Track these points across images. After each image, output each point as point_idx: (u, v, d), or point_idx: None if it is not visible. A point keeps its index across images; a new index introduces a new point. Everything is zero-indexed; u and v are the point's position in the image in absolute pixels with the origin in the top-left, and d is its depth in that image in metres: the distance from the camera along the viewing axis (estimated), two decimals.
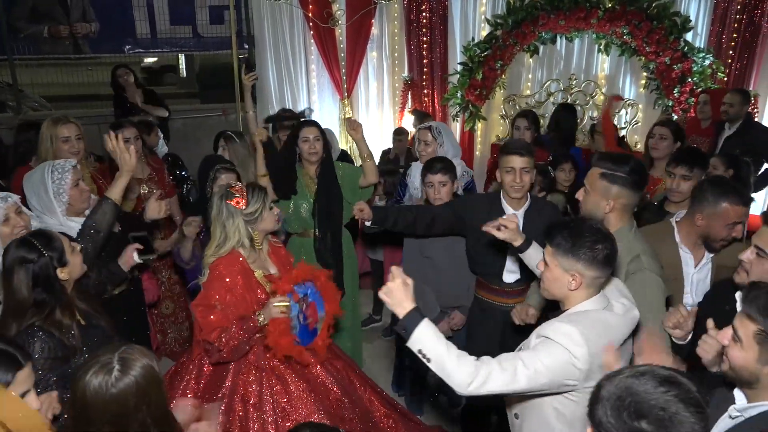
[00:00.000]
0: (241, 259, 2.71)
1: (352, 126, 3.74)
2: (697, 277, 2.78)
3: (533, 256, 2.55)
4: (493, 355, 1.92)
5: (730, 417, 1.68)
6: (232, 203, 2.66)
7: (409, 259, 3.45)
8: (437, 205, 3.31)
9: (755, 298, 1.60)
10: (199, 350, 2.78)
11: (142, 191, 4.07)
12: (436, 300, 3.35)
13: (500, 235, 2.52)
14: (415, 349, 1.88)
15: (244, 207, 2.66)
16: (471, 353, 1.90)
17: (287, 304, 2.55)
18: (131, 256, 2.82)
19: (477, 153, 7.59)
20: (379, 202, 4.51)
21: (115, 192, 2.77)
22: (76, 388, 1.53)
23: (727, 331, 1.67)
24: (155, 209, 3.18)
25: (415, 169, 4.18)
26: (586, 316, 1.93)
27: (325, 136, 3.78)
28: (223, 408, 2.59)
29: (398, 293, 1.89)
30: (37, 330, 2.08)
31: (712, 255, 2.73)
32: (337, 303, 2.87)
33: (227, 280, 2.63)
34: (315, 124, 3.80)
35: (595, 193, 2.47)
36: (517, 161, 2.97)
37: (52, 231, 2.34)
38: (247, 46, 7.47)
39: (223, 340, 2.54)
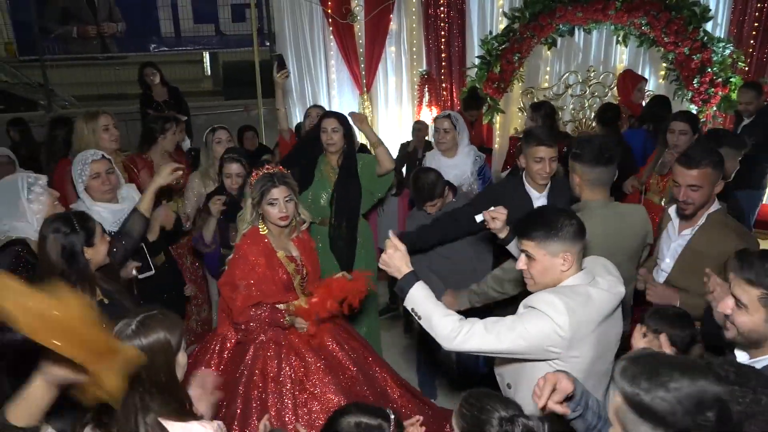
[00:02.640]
0: (266, 240, 2.86)
1: (357, 119, 3.85)
2: (674, 246, 2.84)
3: (515, 247, 2.66)
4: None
5: None
6: (251, 179, 2.86)
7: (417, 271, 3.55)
8: (460, 210, 3.34)
9: (751, 265, 1.68)
10: (223, 327, 2.95)
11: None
12: (441, 286, 3.44)
13: (492, 224, 2.66)
14: (409, 308, 2.10)
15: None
16: None
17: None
18: (130, 272, 2.98)
19: (495, 146, 7.63)
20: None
21: (144, 204, 2.94)
22: None
23: (727, 301, 1.75)
24: (165, 219, 3.37)
25: (430, 158, 4.27)
26: (570, 289, 2.02)
27: (346, 127, 3.85)
28: (244, 381, 2.74)
29: (396, 260, 2.11)
30: None
31: (694, 230, 2.74)
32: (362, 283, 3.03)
33: (251, 258, 2.77)
34: (335, 115, 3.85)
35: (570, 172, 2.77)
36: (547, 152, 3.11)
37: (91, 215, 2.52)
38: (268, 43, 7.62)
39: (252, 325, 2.76)
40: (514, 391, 2.18)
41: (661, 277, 2.86)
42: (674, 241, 2.83)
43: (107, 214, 3.05)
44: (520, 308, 2.08)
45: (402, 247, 2.11)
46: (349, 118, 3.82)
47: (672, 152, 3.87)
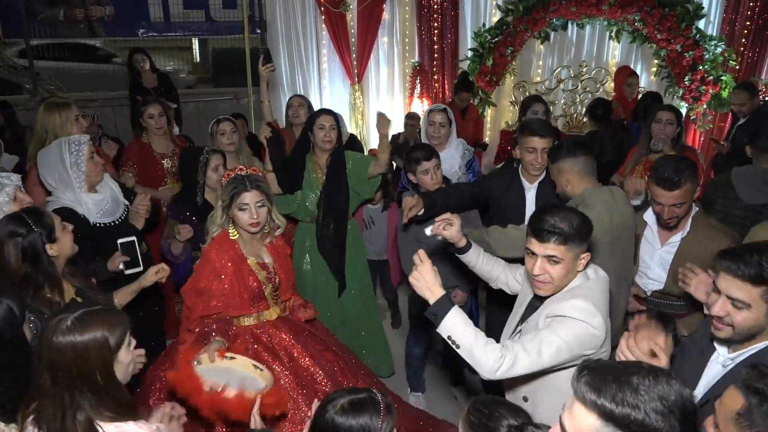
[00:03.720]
0: (236, 246, 2.69)
1: (383, 123, 3.67)
2: (660, 254, 2.82)
3: (473, 257, 2.58)
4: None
5: (723, 366, 1.79)
6: (221, 180, 2.77)
7: (406, 242, 3.50)
8: (468, 185, 3.39)
9: (747, 263, 1.66)
10: (184, 335, 2.73)
11: (165, 166, 4.22)
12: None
13: (446, 234, 2.53)
14: (444, 335, 1.94)
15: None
16: (489, 327, 2.00)
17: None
18: (117, 266, 2.85)
19: (486, 140, 7.61)
20: (373, 206, 4.48)
21: (120, 299, 2.68)
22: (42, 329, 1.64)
23: (722, 304, 1.72)
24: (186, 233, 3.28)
25: None
26: (583, 288, 2.02)
27: (339, 125, 3.78)
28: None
29: (428, 277, 1.95)
30: (27, 312, 2.05)
31: (683, 236, 2.74)
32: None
33: (217, 265, 2.62)
34: (331, 112, 3.79)
35: (556, 176, 2.82)
36: (540, 142, 3.11)
37: (44, 208, 2.39)
38: (259, 31, 7.53)
39: (206, 329, 2.55)
40: (533, 404, 2.13)
41: (651, 286, 2.85)
42: (658, 249, 2.82)
43: (93, 205, 2.97)
44: (540, 319, 2.05)
45: (428, 261, 1.97)
46: (376, 119, 3.68)
47: (661, 138, 3.87)
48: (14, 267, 2.13)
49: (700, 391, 1.81)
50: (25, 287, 2.14)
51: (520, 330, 2.20)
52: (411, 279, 1.99)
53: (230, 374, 2.31)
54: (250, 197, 2.64)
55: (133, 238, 2.94)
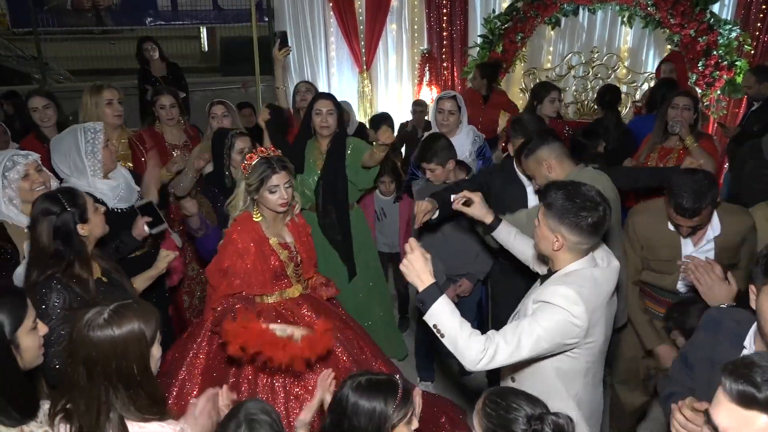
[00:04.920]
0: (258, 227, 2.72)
1: (387, 136, 3.43)
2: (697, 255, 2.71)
3: (504, 234, 2.57)
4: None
5: None
6: (241, 165, 2.72)
7: (428, 231, 3.48)
8: (468, 182, 3.29)
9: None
10: (207, 312, 2.81)
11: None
12: (441, 267, 3.40)
13: (469, 211, 2.54)
14: (430, 323, 1.93)
15: (247, 174, 2.68)
16: (495, 317, 1.97)
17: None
18: (142, 228, 2.85)
19: (499, 129, 7.54)
20: (384, 197, 4.46)
21: (137, 284, 2.71)
22: (73, 324, 1.62)
23: None
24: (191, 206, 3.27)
25: None
26: (577, 275, 1.97)
27: (340, 110, 3.73)
28: (233, 371, 2.63)
29: (418, 265, 1.94)
30: (56, 282, 2.19)
31: (716, 236, 2.68)
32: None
33: (239, 245, 2.65)
34: (329, 96, 3.73)
35: (534, 166, 2.77)
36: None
37: (79, 190, 2.43)
38: (267, 19, 7.48)
39: (220, 308, 2.61)
40: (519, 385, 2.13)
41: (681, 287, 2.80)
42: (692, 250, 2.72)
43: (108, 191, 2.96)
44: (530, 304, 2.04)
45: (428, 255, 1.97)
46: (380, 135, 3.47)
47: (678, 120, 3.79)
48: (45, 244, 2.20)
49: None
50: (54, 263, 2.20)
51: (516, 314, 2.20)
52: (401, 267, 1.99)
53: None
54: (279, 179, 2.65)
55: (150, 199, 2.98)
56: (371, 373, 1.75)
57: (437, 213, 2.92)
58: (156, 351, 1.68)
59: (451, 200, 2.67)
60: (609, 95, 5.21)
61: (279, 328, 2.55)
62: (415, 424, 1.76)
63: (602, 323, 2.00)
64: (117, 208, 3.00)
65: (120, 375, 1.57)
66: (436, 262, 3.31)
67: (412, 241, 1.99)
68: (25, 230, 2.43)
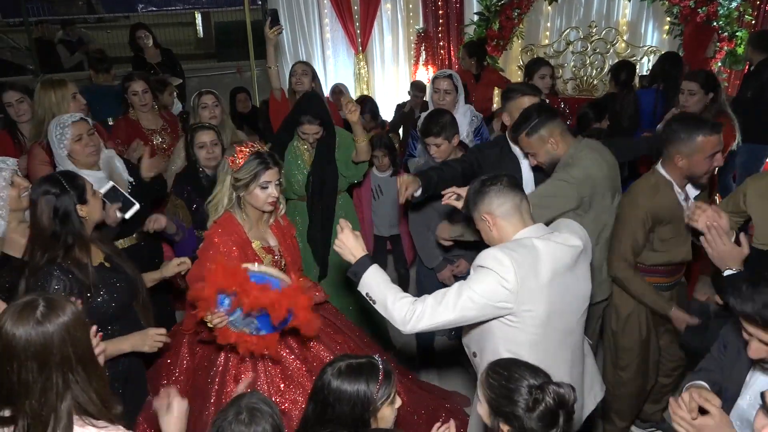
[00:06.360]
0: (240, 229, 2.59)
1: (350, 109, 3.51)
2: None
3: None
4: None
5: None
6: (228, 160, 2.57)
7: (415, 210, 3.46)
8: (458, 160, 3.25)
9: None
10: (189, 322, 2.66)
11: (155, 141, 4.13)
12: (438, 247, 3.38)
13: (458, 204, 2.58)
14: (363, 292, 2.09)
15: (236, 169, 2.53)
16: None
17: (209, 318, 2.36)
18: (114, 215, 2.83)
19: (495, 106, 7.47)
20: (381, 174, 4.41)
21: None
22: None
23: (752, 349, 1.56)
24: (147, 167, 3.26)
25: None
26: (515, 243, 2.02)
27: (326, 122, 3.55)
28: (217, 382, 2.52)
29: (349, 243, 2.11)
30: (56, 268, 2.21)
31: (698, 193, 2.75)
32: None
33: (221, 249, 2.51)
34: (317, 117, 3.47)
35: (538, 144, 2.78)
36: (532, 100, 3.03)
37: (77, 173, 2.44)
38: (260, 2, 7.40)
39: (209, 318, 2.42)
40: (480, 360, 2.15)
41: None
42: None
43: (94, 181, 2.92)
44: (471, 270, 2.07)
45: (358, 233, 2.13)
46: (344, 108, 3.52)
47: (675, 111, 3.77)
48: (45, 224, 2.23)
49: (747, 401, 1.71)
50: (53, 246, 2.23)
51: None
52: (335, 247, 2.14)
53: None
54: (271, 175, 2.53)
55: (111, 183, 2.90)
56: (351, 357, 1.74)
57: (420, 191, 2.91)
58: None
59: (441, 194, 2.68)
60: (625, 73, 4.98)
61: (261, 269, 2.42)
62: (398, 403, 1.75)
63: (544, 294, 1.97)
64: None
65: (77, 357, 1.54)
66: (432, 240, 3.32)
67: (343, 221, 2.15)
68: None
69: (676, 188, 2.74)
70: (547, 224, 2.42)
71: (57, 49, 6.70)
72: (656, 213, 2.73)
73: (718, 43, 6.33)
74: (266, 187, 2.54)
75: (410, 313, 1.98)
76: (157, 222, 3.07)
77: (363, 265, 2.09)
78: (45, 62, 7.31)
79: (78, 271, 2.24)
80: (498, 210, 2.06)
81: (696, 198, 2.80)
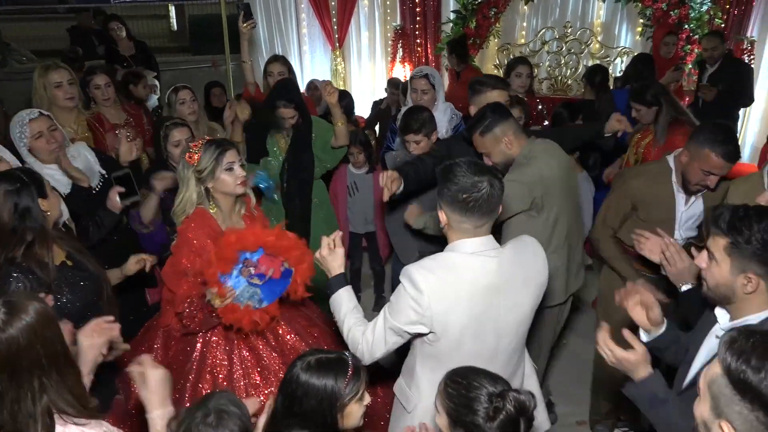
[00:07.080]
0: (213, 221, 2.55)
1: (329, 91, 3.54)
2: (686, 214, 2.84)
3: None
4: None
5: (717, 337, 1.73)
6: (186, 157, 2.52)
7: (393, 208, 3.45)
8: (430, 157, 3.22)
9: (720, 216, 1.66)
10: (166, 318, 2.62)
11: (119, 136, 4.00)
12: (415, 244, 3.39)
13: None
14: (331, 307, 2.09)
15: (195, 162, 2.49)
16: None
17: (214, 292, 2.35)
18: (115, 199, 2.79)
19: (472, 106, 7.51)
20: (357, 170, 4.41)
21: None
22: None
23: (703, 254, 1.73)
24: (127, 151, 3.20)
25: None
26: (441, 260, 1.93)
27: (301, 107, 3.59)
28: (192, 378, 2.49)
29: (336, 263, 2.08)
30: (15, 269, 2.13)
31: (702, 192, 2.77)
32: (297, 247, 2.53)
33: (195, 242, 2.47)
34: (292, 102, 3.54)
35: (492, 144, 2.76)
36: (502, 95, 3.05)
37: (34, 170, 2.38)
38: None
39: (187, 310, 2.43)
40: (402, 378, 2.15)
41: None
42: (686, 209, 2.82)
43: (61, 176, 2.88)
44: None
45: (341, 249, 2.10)
46: (323, 90, 3.57)
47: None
48: (5, 220, 2.14)
49: (696, 367, 1.78)
50: (14, 243, 2.15)
51: None
52: (317, 256, 2.12)
53: None
54: (232, 155, 2.52)
55: (128, 170, 2.91)
56: (321, 352, 1.72)
57: (402, 187, 2.87)
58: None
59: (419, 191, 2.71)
60: (600, 76, 5.13)
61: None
62: (367, 400, 1.74)
63: (458, 317, 1.88)
64: (92, 188, 2.97)
65: (48, 358, 1.49)
66: (410, 237, 3.32)
67: (335, 236, 2.12)
68: None
69: (674, 178, 2.79)
70: (502, 229, 2.42)
71: None
72: (640, 196, 2.83)
73: (689, 46, 6.46)
74: (231, 168, 2.51)
75: (363, 346, 1.97)
76: (164, 180, 3.04)
77: (338, 284, 2.08)
78: None
79: (39, 270, 2.16)
80: (452, 215, 1.91)
81: (690, 239, 2.82)
